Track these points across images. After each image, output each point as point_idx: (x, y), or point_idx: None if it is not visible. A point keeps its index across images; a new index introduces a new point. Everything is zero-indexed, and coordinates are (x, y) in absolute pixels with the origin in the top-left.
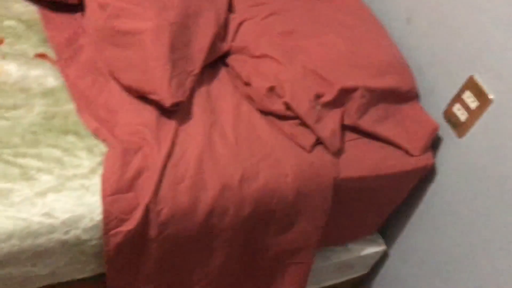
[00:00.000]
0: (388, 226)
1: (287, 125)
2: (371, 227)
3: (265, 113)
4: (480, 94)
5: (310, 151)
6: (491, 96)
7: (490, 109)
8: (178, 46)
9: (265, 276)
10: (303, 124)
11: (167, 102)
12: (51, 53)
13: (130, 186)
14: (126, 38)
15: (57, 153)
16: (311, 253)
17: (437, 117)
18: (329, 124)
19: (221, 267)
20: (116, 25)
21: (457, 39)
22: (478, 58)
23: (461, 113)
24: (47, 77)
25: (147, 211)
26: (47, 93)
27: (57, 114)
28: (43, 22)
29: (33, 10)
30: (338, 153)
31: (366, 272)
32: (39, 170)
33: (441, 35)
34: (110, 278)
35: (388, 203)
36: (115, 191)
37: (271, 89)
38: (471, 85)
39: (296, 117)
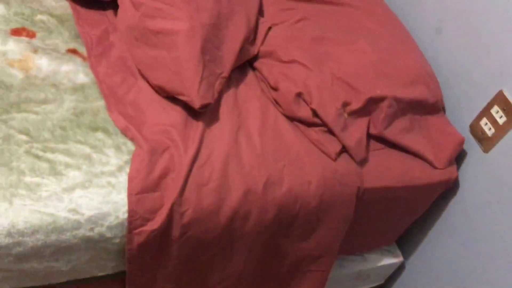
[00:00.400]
0: (406, 238)
1: (313, 132)
2: (390, 238)
3: (292, 118)
4: (508, 109)
5: (335, 159)
6: None
7: None
8: (209, 48)
9: (283, 282)
10: (329, 131)
11: (197, 103)
12: (82, 49)
13: (156, 185)
14: (158, 38)
15: (85, 149)
16: (330, 262)
17: (463, 130)
18: (355, 133)
19: (240, 271)
20: (149, 25)
21: (487, 52)
22: (509, 73)
23: (487, 128)
24: (77, 73)
25: (171, 211)
26: (77, 89)
27: (86, 110)
28: (75, 18)
29: (65, 5)
30: (362, 162)
31: (381, 283)
32: (68, 165)
33: (472, 47)
34: (131, 276)
35: (409, 214)
36: (141, 190)
37: (299, 95)
38: (500, 99)
39: (322, 124)
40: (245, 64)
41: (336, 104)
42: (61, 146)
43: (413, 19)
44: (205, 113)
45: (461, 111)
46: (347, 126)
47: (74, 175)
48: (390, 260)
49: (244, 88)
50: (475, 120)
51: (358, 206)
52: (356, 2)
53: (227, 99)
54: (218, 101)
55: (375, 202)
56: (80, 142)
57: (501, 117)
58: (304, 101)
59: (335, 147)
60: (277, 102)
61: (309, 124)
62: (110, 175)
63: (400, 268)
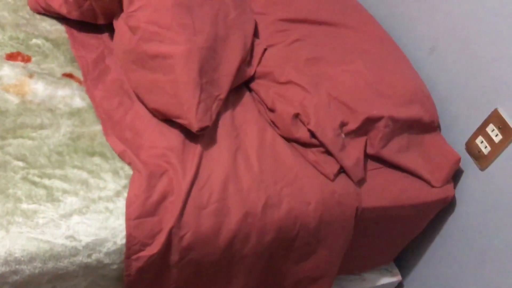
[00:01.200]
0: (404, 257)
1: (311, 153)
2: (388, 257)
3: (289, 139)
4: (504, 127)
5: (333, 180)
6: None
7: None
8: (206, 71)
9: None
10: (327, 152)
11: (195, 126)
12: (78, 73)
13: (154, 210)
14: (155, 61)
15: (83, 174)
16: (329, 283)
17: (459, 148)
18: (353, 153)
19: None
20: (146, 49)
21: (482, 71)
22: (504, 91)
23: (483, 146)
24: (74, 97)
25: (170, 235)
26: (73, 113)
27: (83, 135)
28: (70, 42)
29: (60, 29)
30: (360, 182)
31: None
32: (65, 191)
33: (466, 66)
34: None
35: (407, 233)
36: (139, 215)
37: (296, 116)
38: (495, 118)
39: (320, 145)
40: (241, 86)
41: (334, 125)
42: (58, 171)
43: (406, 39)
44: (203, 136)
45: (457, 130)
46: (344, 147)
47: (71, 201)
48: (388, 279)
49: (241, 110)
50: (471, 138)
51: (356, 226)
52: (349, 22)
53: (225, 121)
54: (215, 123)
55: (373, 222)
56: (77, 167)
57: (496, 135)
58: (302, 122)
59: (333, 168)
60: (274, 124)
61: (307, 145)
62: (107, 200)
63: (398, 287)
